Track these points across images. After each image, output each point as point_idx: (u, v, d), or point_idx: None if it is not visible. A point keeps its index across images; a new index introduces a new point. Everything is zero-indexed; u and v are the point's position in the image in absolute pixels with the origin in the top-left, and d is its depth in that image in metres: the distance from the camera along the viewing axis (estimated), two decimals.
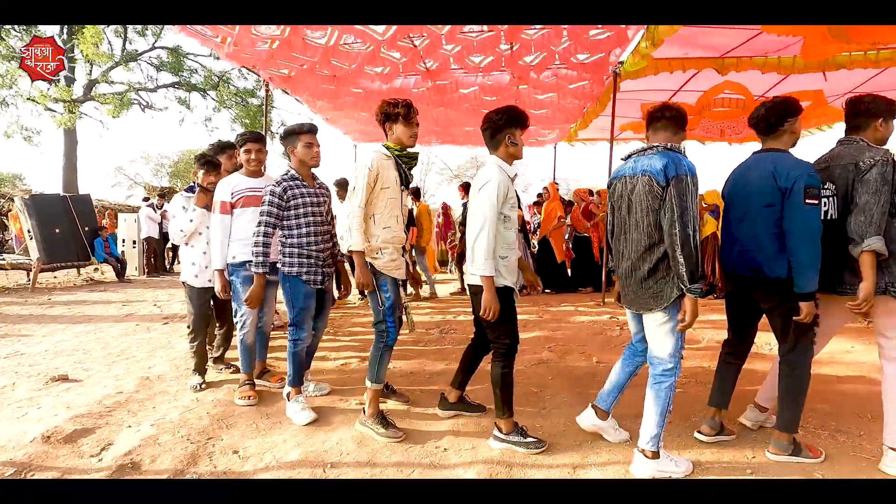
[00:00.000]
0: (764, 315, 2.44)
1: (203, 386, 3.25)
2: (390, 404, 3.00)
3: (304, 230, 2.77)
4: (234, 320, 3.14)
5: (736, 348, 2.58)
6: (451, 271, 9.34)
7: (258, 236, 2.71)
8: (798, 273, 2.16)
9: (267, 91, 6.79)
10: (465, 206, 7.10)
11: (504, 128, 2.39)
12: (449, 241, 9.36)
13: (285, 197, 2.73)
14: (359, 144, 10.73)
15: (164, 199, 10.84)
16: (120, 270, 9.19)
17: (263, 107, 6.91)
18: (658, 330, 2.19)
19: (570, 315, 5.79)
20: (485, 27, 4.80)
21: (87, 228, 9.06)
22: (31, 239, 8.22)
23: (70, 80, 16.94)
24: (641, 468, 2.19)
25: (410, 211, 6.67)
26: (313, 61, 5.34)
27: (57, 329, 5.06)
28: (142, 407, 2.96)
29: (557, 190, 8.01)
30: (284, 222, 2.77)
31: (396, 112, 2.54)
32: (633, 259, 2.24)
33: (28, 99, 15.92)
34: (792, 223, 2.15)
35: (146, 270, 10.13)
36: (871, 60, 4.95)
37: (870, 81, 5.91)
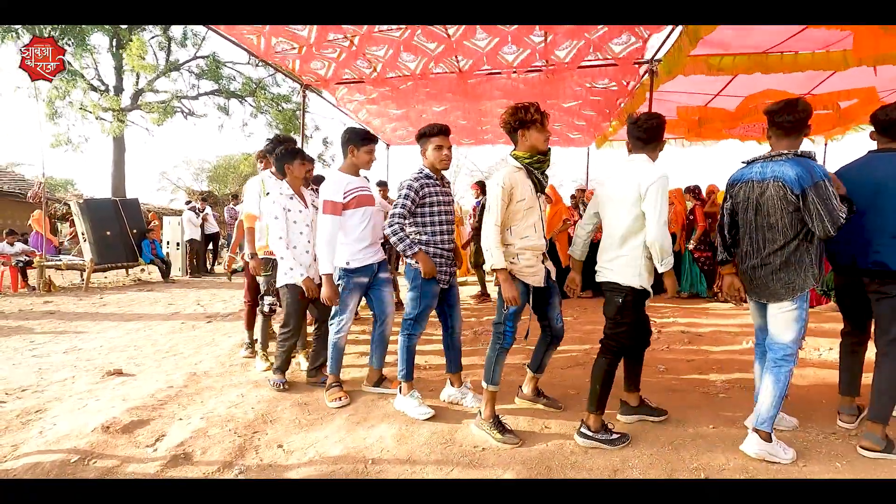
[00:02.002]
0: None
1: (286, 386, 3.25)
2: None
3: (436, 227, 2.83)
4: (330, 322, 3.13)
5: (857, 337, 2.70)
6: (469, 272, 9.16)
7: (393, 226, 2.73)
8: None
9: (304, 97, 6.97)
10: (479, 204, 7.07)
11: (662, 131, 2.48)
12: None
13: (421, 193, 2.78)
14: (391, 146, 10.87)
15: (206, 203, 11.27)
16: (165, 271, 9.61)
17: (301, 113, 7.08)
18: (784, 317, 2.34)
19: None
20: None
21: (135, 231, 9.52)
22: (85, 241, 8.70)
23: (118, 90, 17.83)
24: (756, 448, 2.32)
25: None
26: (349, 49, 5.35)
27: (110, 326, 5.34)
28: (191, 401, 3.09)
29: (557, 193, 7.79)
30: (418, 218, 2.83)
31: (533, 118, 2.48)
32: (762, 255, 2.40)
33: (80, 109, 16.81)
34: None
35: (188, 271, 10.55)
36: None
37: None
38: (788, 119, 2.32)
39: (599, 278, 2.56)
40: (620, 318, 2.47)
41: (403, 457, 2.39)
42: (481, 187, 7.12)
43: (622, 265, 2.42)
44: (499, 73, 6.09)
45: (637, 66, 5.82)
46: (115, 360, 3.97)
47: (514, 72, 6.02)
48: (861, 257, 2.46)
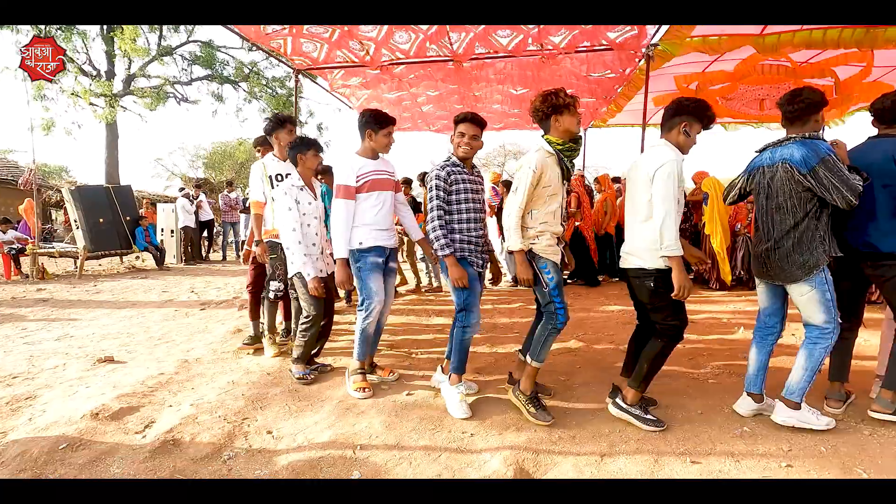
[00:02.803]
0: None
1: (312, 377, 3.18)
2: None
3: (464, 215, 2.77)
4: (359, 308, 3.00)
5: (848, 322, 2.69)
6: None
7: (434, 221, 2.69)
8: None
9: (297, 81, 6.88)
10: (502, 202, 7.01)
11: (679, 114, 2.42)
12: None
13: (449, 181, 2.73)
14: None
15: (200, 190, 11.19)
16: (159, 258, 9.57)
17: (294, 98, 7.00)
18: (808, 300, 2.40)
19: (599, 304, 5.71)
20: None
21: (128, 218, 9.46)
22: (78, 228, 8.64)
23: (110, 75, 17.57)
24: (784, 416, 2.43)
25: (414, 198, 6.59)
26: (341, 27, 5.27)
27: (103, 314, 5.33)
28: (181, 388, 3.09)
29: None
30: (446, 206, 2.77)
31: (566, 102, 2.46)
32: (775, 238, 2.47)
33: (71, 94, 16.58)
34: None
35: (183, 259, 10.52)
36: None
37: None
38: (790, 109, 2.45)
39: (624, 265, 2.56)
40: (658, 302, 2.45)
41: (392, 442, 2.40)
42: (507, 187, 7.03)
43: (645, 248, 2.41)
44: (494, 56, 6.00)
45: (634, 53, 5.75)
46: (107, 348, 3.97)
47: (510, 56, 5.94)
48: (853, 240, 2.55)
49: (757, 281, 2.69)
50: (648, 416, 2.50)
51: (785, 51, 5.03)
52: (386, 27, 5.25)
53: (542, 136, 2.55)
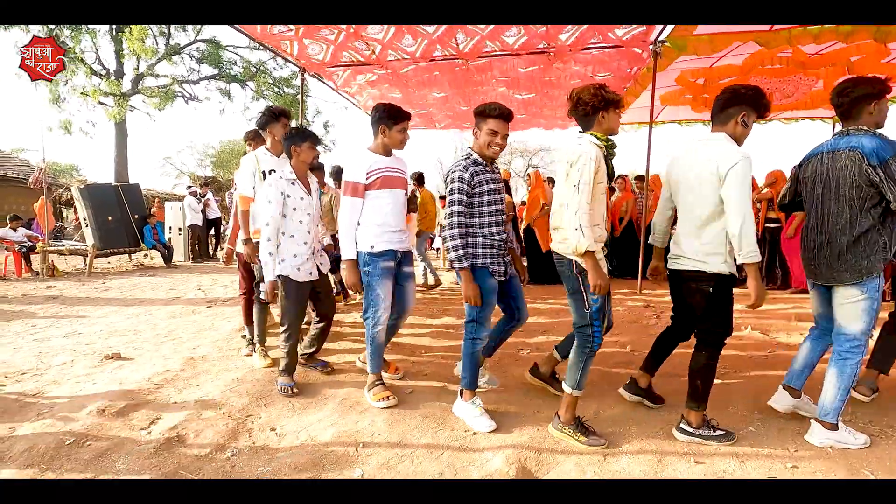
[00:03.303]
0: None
1: (295, 390, 2.96)
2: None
3: (486, 219, 2.54)
4: (365, 316, 2.85)
5: None
6: None
7: (452, 228, 2.45)
8: None
9: (303, 80, 6.90)
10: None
11: (737, 104, 2.24)
12: None
13: (473, 182, 2.48)
14: None
15: (208, 188, 11.27)
16: (167, 256, 9.65)
17: (300, 96, 7.02)
18: (853, 307, 2.25)
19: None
20: None
21: (136, 216, 9.55)
22: (87, 226, 8.74)
23: (119, 75, 17.74)
24: (821, 438, 2.30)
25: (414, 196, 6.53)
26: (347, 30, 5.28)
27: (111, 311, 5.38)
28: (187, 385, 3.12)
29: (540, 176, 7.68)
30: (468, 210, 2.52)
31: (616, 99, 2.29)
32: (829, 232, 2.30)
33: (81, 94, 16.75)
34: None
35: (191, 256, 10.60)
36: None
37: None
38: (837, 103, 2.31)
39: (676, 267, 2.40)
40: (711, 308, 2.31)
41: (395, 440, 2.40)
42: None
43: (707, 252, 2.25)
44: (501, 54, 5.98)
45: (641, 52, 5.71)
46: (114, 345, 4.00)
47: (517, 54, 5.91)
48: None
49: (809, 284, 2.54)
50: (718, 433, 2.34)
51: (795, 43, 4.97)
52: (393, 29, 5.26)
53: (585, 133, 2.33)
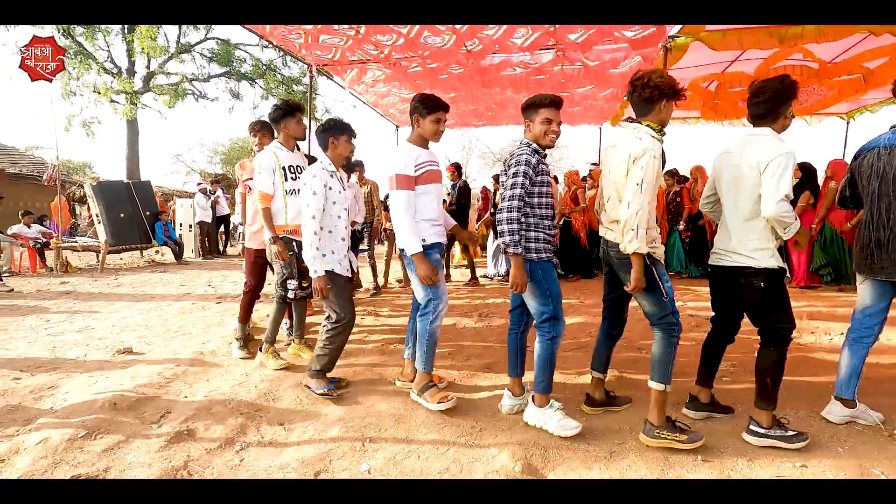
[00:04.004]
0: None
1: (338, 393, 2.89)
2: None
3: (543, 210, 2.47)
4: (422, 313, 2.73)
5: None
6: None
7: (512, 211, 2.36)
8: None
9: (311, 78, 6.93)
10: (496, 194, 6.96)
11: (787, 100, 2.26)
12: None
13: (537, 170, 2.42)
14: (401, 127, 10.77)
15: (218, 185, 11.36)
16: (178, 253, 9.76)
17: (308, 93, 7.06)
18: None
19: None
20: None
21: (147, 213, 9.66)
22: (100, 223, 8.86)
23: (131, 73, 17.91)
24: (839, 415, 2.46)
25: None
26: (356, 37, 5.31)
27: (123, 306, 5.46)
28: (197, 379, 3.16)
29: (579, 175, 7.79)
30: (527, 199, 2.44)
31: (680, 91, 2.24)
32: (892, 227, 2.30)
33: (93, 91, 16.94)
34: None
35: (201, 253, 10.71)
36: None
37: None
38: None
39: (722, 263, 2.38)
40: (771, 303, 2.28)
41: (402, 436, 2.42)
42: (457, 169, 6.89)
43: (754, 247, 2.26)
44: (508, 56, 5.96)
45: (651, 54, 5.67)
46: (126, 339, 4.06)
47: (525, 52, 5.89)
48: None
49: (859, 278, 2.49)
50: (790, 433, 2.27)
51: (808, 40, 4.89)
52: (402, 40, 5.29)
53: (641, 122, 2.28)
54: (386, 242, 6.54)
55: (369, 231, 5.91)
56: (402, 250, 2.71)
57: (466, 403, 2.78)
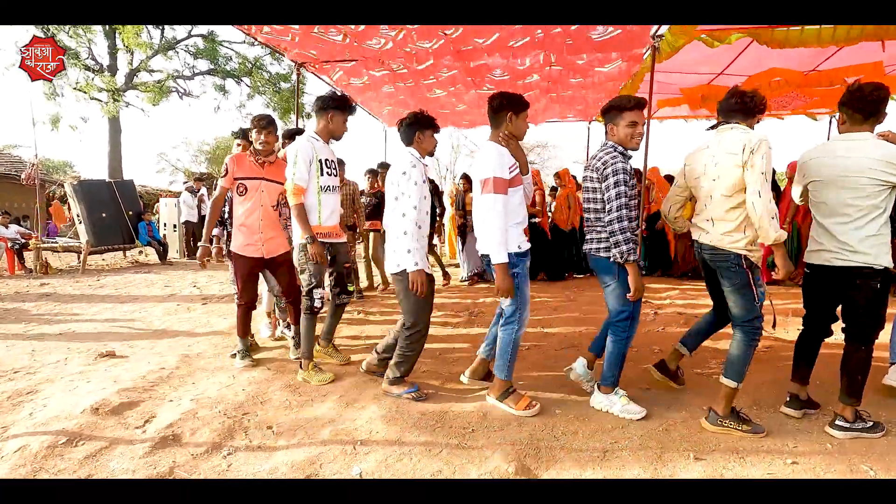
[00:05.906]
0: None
1: (423, 395, 2.83)
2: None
3: (633, 212, 2.47)
4: (506, 322, 2.67)
5: None
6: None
7: (622, 221, 2.41)
8: None
9: (298, 75, 6.84)
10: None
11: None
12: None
13: (630, 173, 2.46)
14: (388, 128, 10.71)
15: (202, 184, 11.18)
16: (162, 253, 9.58)
17: (295, 92, 6.96)
18: None
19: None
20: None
21: (130, 213, 9.47)
22: (81, 223, 8.65)
23: (113, 70, 17.57)
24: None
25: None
26: (343, 42, 5.29)
27: (105, 308, 5.33)
28: (182, 382, 3.08)
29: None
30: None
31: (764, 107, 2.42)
32: None
33: (75, 89, 16.59)
34: None
35: (186, 253, 10.53)
36: None
37: None
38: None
39: (835, 262, 2.33)
40: (876, 303, 2.29)
41: (392, 438, 2.38)
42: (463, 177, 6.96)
43: (872, 245, 2.24)
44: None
45: (640, 54, 5.71)
46: (108, 343, 3.96)
47: (513, 56, 5.89)
48: None
49: None
50: (871, 424, 2.35)
51: (792, 46, 4.97)
52: (390, 44, 5.26)
53: (738, 126, 2.35)
54: (363, 241, 6.36)
55: (353, 234, 5.84)
56: (486, 256, 2.62)
57: (457, 404, 2.75)
